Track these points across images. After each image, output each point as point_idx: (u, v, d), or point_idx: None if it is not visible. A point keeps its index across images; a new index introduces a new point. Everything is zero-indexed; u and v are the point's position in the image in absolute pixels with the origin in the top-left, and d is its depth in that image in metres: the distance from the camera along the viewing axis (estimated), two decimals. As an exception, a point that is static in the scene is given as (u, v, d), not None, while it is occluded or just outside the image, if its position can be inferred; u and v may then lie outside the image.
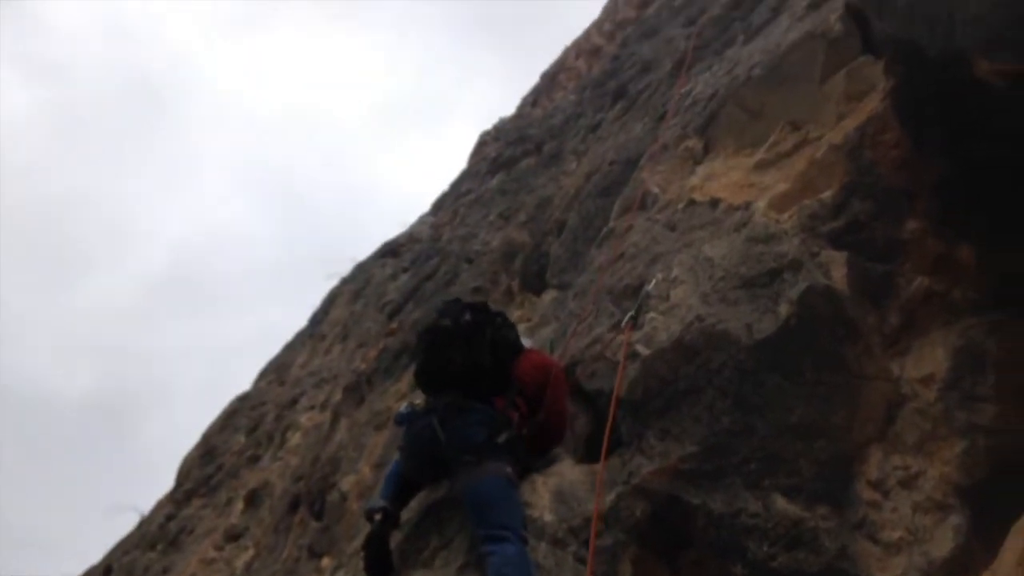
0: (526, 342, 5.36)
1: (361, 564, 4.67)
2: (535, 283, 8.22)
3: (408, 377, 7.60)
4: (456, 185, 13.48)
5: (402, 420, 4.83)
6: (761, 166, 5.09)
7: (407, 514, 4.93)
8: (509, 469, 4.32)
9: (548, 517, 4.36)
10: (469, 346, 4.63)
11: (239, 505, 9.97)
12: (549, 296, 7.30)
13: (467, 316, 4.78)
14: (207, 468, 11.98)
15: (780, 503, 3.77)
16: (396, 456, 5.02)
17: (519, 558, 3.96)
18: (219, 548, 9.53)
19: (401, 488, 4.80)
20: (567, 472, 4.65)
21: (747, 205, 4.79)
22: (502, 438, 4.41)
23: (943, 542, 3.35)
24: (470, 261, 9.53)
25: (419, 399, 5.00)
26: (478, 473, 4.25)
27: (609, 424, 4.37)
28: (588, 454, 4.71)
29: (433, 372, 4.72)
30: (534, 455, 4.70)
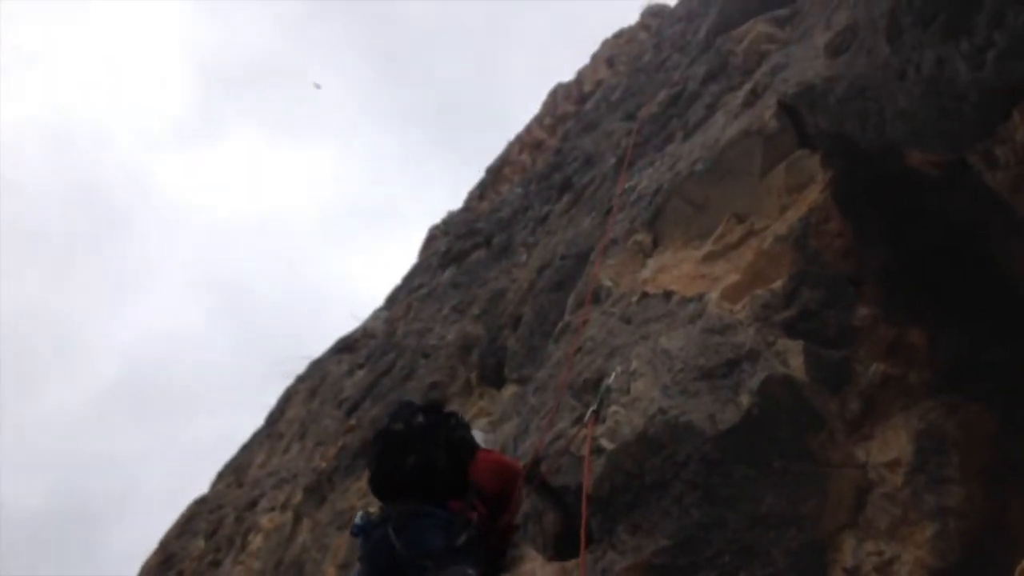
0: (484, 438, 5.35)
1: None
2: (493, 377, 8.24)
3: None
4: (408, 279, 13.53)
5: (358, 531, 4.69)
6: (710, 258, 5.24)
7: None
8: (471, 571, 4.26)
9: (522, 619, 4.32)
10: (423, 449, 4.54)
11: (200, 616, 9.66)
12: (509, 391, 7.33)
13: (419, 418, 4.68)
14: (167, 575, 11.60)
15: (756, 596, 3.79)
16: (357, 566, 4.93)
17: None
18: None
19: None
20: (539, 571, 4.62)
21: (700, 296, 4.91)
22: (461, 540, 4.33)
23: (925, 629, 3.38)
24: (426, 356, 9.53)
25: (374, 507, 4.93)
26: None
27: (584, 521, 4.35)
28: (558, 552, 4.69)
29: (386, 478, 4.62)
30: (493, 555, 4.66)
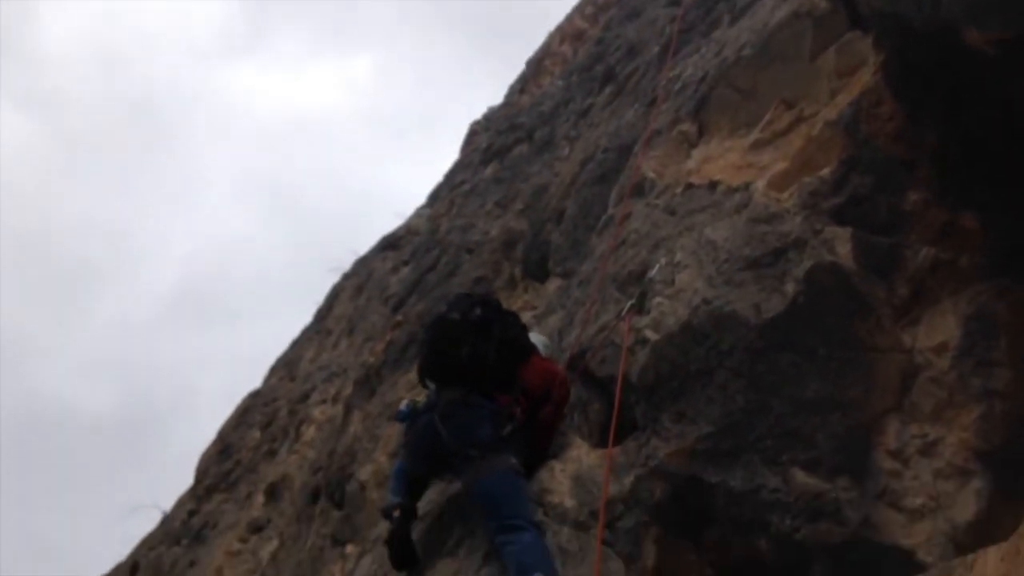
0: (544, 343, 5.41)
1: (386, 556, 4.74)
2: (537, 271, 8.29)
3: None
4: (450, 176, 13.49)
5: (403, 417, 4.85)
6: (757, 146, 5.14)
7: (427, 505, 5.01)
8: (514, 460, 4.36)
9: (569, 503, 4.44)
10: (475, 341, 4.62)
11: (260, 498, 10.11)
12: (553, 285, 7.37)
13: (477, 311, 4.76)
14: (225, 464, 12.11)
15: (800, 477, 3.85)
16: (400, 453, 5.05)
17: (535, 544, 4.02)
18: (243, 540, 9.68)
19: (411, 484, 4.85)
20: (584, 458, 4.73)
21: (746, 186, 4.84)
22: (506, 431, 4.44)
23: (966, 506, 3.42)
24: (470, 251, 9.58)
25: (421, 395, 5.04)
26: (485, 468, 4.28)
27: (616, 408, 4.42)
28: (603, 440, 4.78)
29: (437, 365, 4.73)
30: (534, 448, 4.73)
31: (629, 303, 4.93)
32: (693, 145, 5.77)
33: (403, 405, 4.91)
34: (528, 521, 4.14)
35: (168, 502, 13.31)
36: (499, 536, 4.08)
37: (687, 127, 5.87)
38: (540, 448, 4.78)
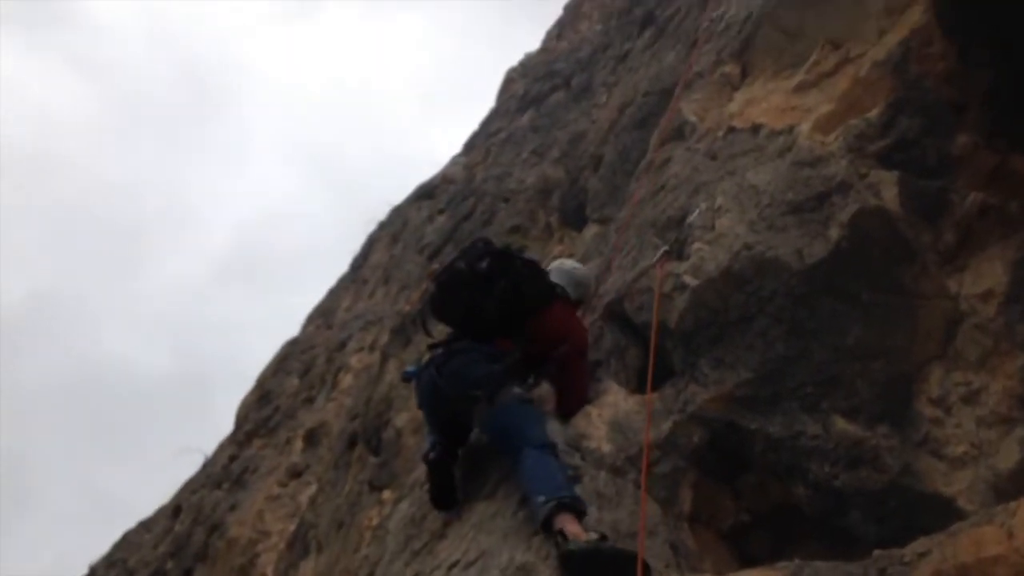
0: (571, 267, 5.39)
1: (426, 495, 4.77)
2: (575, 219, 8.23)
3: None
4: (486, 124, 13.39)
5: (410, 376, 4.80)
6: (802, 88, 5.01)
7: (464, 451, 5.04)
8: (517, 390, 4.29)
9: (606, 447, 4.44)
10: (474, 296, 4.53)
11: (298, 444, 10.28)
12: (591, 231, 7.32)
13: (484, 263, 4.60)
14: (264, 410, 12.30)
15: (840, 424, 3.82)
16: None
17: (538, 464, 3.86)
18: (283, 485, 9.87)
19: (443, 434, 4.86)
20: (621, 403, 4.72)
21: (790, 129, 4.74)
22: (505, 363, 4.36)
23: (1009, 454, 3.37)
24: (506, 200, 9.53)
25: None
26: (489, 409, 4.22)
27: (652, 353, 4.39)
28: (640, 386, 4.77)
29: (439, 316, 4.71)
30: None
31: (663, 248, 4.88)
32: (736, 88, 5.64)
33: (409, 367, 4.94)
34: (537, 444, 4.00)
35: (211, 449, 13.60)
36: (513, 465, 4.01)
37: (730, 69, 5.74)
38: (572, 396, 4.75)
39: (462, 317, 4.60)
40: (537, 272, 4.90)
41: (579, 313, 5.29)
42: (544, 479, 3.73)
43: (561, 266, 5.48)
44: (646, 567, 3.25)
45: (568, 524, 3.47)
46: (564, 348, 4.64)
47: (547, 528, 3.52)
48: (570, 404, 4.71)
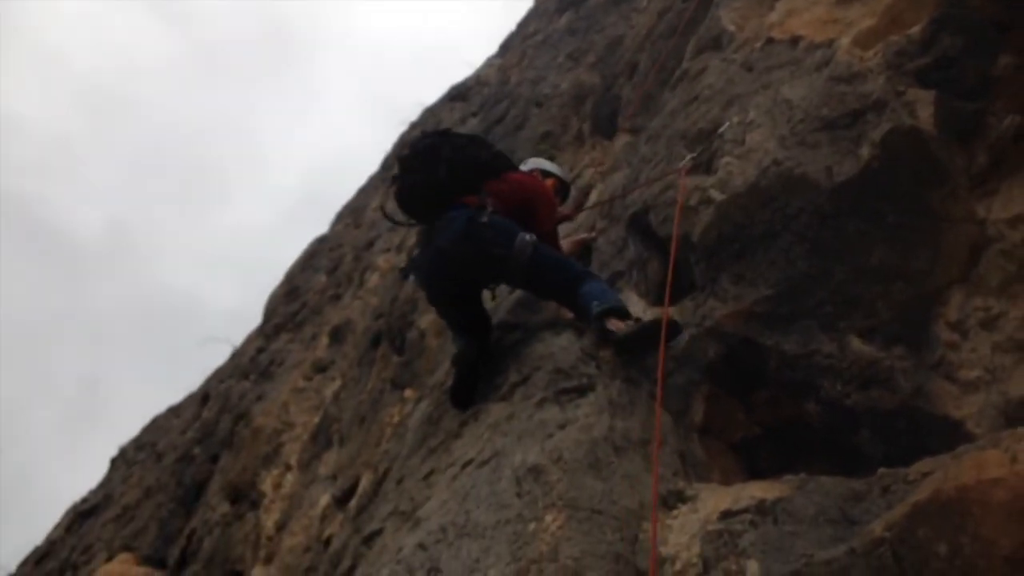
0: (536, 163, 5.72)
1: (449, 383, 4.87)
2: (607, 127, 8.12)
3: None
4: (523, 25, 13.12)
5: (407, 273, 5.19)
6: (845, 0, 4.86)
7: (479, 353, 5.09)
8: (526, 235, 4.57)
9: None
10: (425, 166, 4.83)
11: (324, 340, 10.46)
12: (621, 140, 7.23)
13: (426, 141, 5.00)
14: (292, 305, 12.50)
15: (855, 344, 3.82)
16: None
17: (596, 282, 4.52)
18: (308, 378, 10.10)
19: (466, 329, 4.97)
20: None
21: (830, 43, 4.61)
22: (483, 217, 4.61)
23: (1022, 381, 3.36)
24: (539, 105, 9.41)
25: None
26: (517, 260, 4.52)
27: (671, 264, 4.39)
28: (660, 298, 4.79)
29: (402, 199, 4.96)
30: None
31: (688, 157, 4.85)
32: (777, -3, 5.47)
33: (400, 265, 5.13)
34: (584, 273, 4.58)
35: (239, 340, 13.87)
36: (566, 297, 4.55)
37: (772, -23, 5.56)
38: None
39: (421, 193, 4.84)
40: (482, 142, 5.22)
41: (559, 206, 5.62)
42: (601, 294, 4.39)
43: (537, 160, 5.86)
44: (674, 323, 4.03)
45: (614, 324, 4.26)
46: (537, 229, 4.78)
47: (599, 326, 4.31)
48: None
